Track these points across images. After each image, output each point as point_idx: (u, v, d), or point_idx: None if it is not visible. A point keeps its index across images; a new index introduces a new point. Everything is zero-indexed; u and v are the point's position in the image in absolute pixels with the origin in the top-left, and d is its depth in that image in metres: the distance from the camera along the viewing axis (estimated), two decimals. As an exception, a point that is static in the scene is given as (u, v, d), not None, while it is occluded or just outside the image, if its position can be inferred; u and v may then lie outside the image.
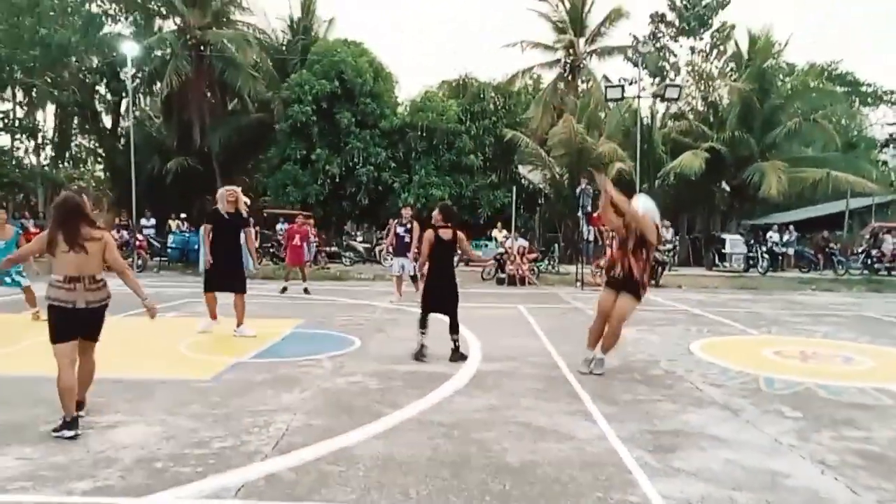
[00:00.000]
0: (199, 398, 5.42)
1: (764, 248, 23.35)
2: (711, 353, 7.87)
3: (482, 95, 29.00)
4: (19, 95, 32.28)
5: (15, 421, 4.74)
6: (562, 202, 28.24)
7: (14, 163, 29.56)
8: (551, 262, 20.98)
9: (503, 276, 17.47)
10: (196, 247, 16.16)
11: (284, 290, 14.14)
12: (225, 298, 8.61)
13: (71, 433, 4.43)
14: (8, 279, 9.42)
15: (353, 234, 30.92)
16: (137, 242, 20.67)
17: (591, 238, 18.73)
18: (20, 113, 32.76)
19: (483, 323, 9.55)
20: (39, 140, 33.71)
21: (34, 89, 30.21)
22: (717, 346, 8.44)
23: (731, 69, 31.95)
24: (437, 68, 59.91)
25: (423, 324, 7.22)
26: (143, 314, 8.51)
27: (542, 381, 6.31)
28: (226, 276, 8.50)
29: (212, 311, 8.72)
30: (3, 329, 8.81)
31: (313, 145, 27.09)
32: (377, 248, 24.29)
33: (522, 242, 18.63)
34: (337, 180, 27.26)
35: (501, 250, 18.56)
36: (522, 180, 29.45)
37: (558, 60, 32.20)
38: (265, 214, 25.90)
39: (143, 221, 23.88)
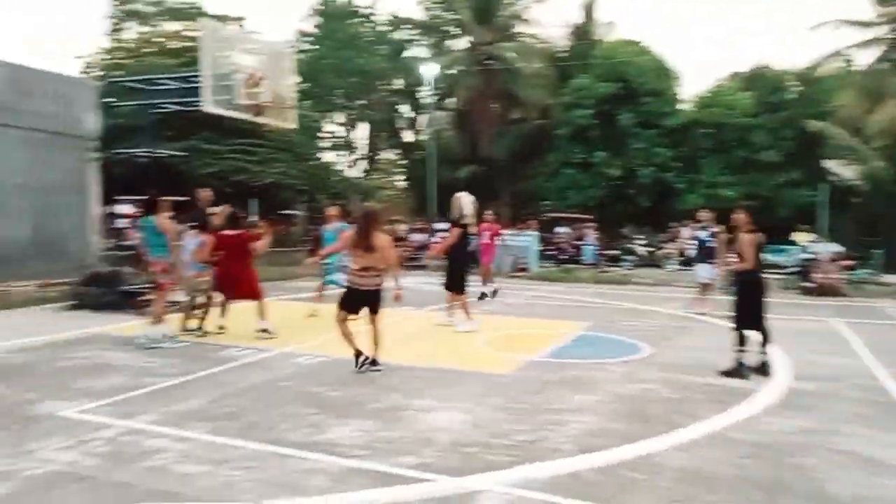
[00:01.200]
0: (499, 391, 5.80)
1: None
2: None
3: (781, 84, 26.31)
4: (342, 117, 37.87)
5: (351, 397, 5.58)
6: (882, 200, 24.27)
7: (337, 175, 34.71)
8: (870, 271, 18.11)
9: (810, 285, 15.55)
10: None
11: (483, 296, 11.95)
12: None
13: (360, 368, 6.27)
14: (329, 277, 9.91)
15: (632, 237, 30.25)
16: (432, 243, 22.81)
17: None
18: (342, 132, 38.52)
19: (790, 337, 8.62)
20: (355, 155, 39.15)
21: (352, 111, 35.17)
22: None
23: None
24: (727, 59, 55.75)
25: (740, 340, 6.62)
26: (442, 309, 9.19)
27: (868, 405, 5.53)
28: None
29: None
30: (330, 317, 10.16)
31: (593, 148, 27.13)
32: (659, 252, 23.45)
33: (834, 247, 16.38)
34: (617, 182, 26.94)
35: (807, 256, 16.55)
36: (831, 176, 26.00)
37: (878, 38, 27.70)
38: (545, 218, 26.59)
39: (438, 225, 26.12)
